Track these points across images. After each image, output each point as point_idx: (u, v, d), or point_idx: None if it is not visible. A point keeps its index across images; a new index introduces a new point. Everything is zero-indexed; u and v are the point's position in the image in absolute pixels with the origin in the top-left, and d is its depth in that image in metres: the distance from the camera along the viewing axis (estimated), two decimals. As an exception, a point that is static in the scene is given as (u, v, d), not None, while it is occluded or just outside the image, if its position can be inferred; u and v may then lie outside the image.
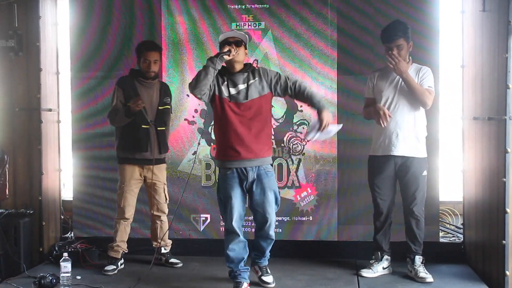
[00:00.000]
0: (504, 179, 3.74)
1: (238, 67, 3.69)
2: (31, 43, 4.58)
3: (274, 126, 4.56)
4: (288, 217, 4.69)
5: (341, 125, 3.86)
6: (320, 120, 3.59)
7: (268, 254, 3.97)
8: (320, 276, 4.12)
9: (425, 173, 4.01)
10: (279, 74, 3.76)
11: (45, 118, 4.64)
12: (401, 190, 4.08)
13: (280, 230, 4.66)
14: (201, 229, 4.77)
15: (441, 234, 4.67)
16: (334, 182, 4.64)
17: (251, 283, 3.82)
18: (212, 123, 4.69)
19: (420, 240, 4.03)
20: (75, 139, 4.85)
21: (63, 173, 4.93)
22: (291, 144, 4.67)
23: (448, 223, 4.89)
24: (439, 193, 4.52)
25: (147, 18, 4.77)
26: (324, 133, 3.64)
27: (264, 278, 3.89)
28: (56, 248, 4.51)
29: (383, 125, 3.95)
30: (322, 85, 4.63)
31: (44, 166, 4.62)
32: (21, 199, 4.63)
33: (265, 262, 3.97)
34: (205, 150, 4.77)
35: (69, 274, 3.85)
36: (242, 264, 3.78)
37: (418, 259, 4.02)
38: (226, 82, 3.67)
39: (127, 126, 4.18)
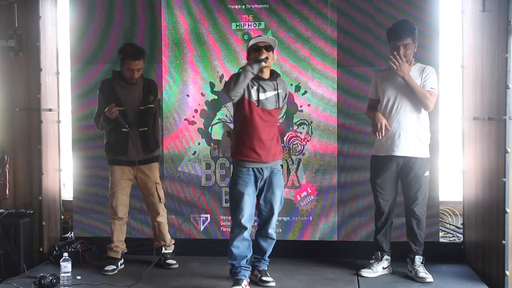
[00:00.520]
0: (504, 179, 3.74)
1: (267, 72, 3.83)
2: (31, 43, 4.58)
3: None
4: (288, 217, 4.69)
5: None
6: None
7: (267, 257, 3.99)
8: (320, 276, 4.12)
9: (427, 173, 4.01)
10: (288, 97, 4.03)
11: (45, 118, 4.65)
12: (403, 190, 4.08)
13: (280, 230, 4.66)
14: (201, 229, 4.77)
15: (441, 234, 4.67)
16: (334, 182, 4.64)
17: (251, 285, 3.84)
18: (213, 122, 4.74)
19: (420, 240, 4.03)
20: (75, 139, 4.85)
21: (63, 173, 4.93)
22: (291, 144, 4.67)
23: (448, 223, 4.89)
24: (439, 193, 4.52)
25: (148, 17, 4.76)
26: None
27: (264, 278, 3.91)
28: (56, 248, 4.51)
29: (378, 137, 3.98)
30: (322, 84, 4.63)
31: (44, 166, 4.62)
32: (21, 199, 4.63)
33: (264, 266, 3.98)
34: (205, 150, 4.77)
35: (69, 274, 3.85)
36: (244, 261, 3.81)
37: (418, 259, 4.02)
38: (256, 87, 3.77)
39: (111, 129, 4.20)
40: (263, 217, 3.90)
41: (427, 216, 4.14)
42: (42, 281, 3.81)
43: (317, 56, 4.63)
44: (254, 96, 3.76)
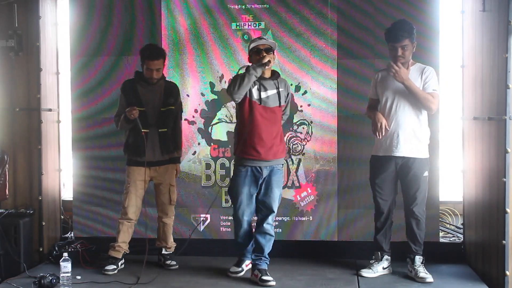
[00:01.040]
0: (504, 179, 3.74)
1: (268, 73, 3.98)
2: (31, 43, 4.58)
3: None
4: (288, 217, 4.69)
5: None
6: None
7: (267, 255, 4.02)
8: (320, 276, 4.12)
9: (426, 173, 4.00)
10: (290, 96, 4.11)
11: (45, 118, 4.64)
12: (402, 191, 4.08)
13: (280, 230, 4.66)
14: (201, 229, 4.76)
15: (441, 234, 4.67)
16: (334, 182, 4.64)
17: (251, 285, 3.90)
18: (213, 122, 4.74)
19: (420, 240, 4.03)
20: (75, 139, 4.85)
21: (63, 173, 4.93)
22: (291, 144, 4.67)
23: (448, 223, 4.89)
24: (439, 193, 4.52)
25: (148, 18, 4.76)
26: None
27: (263, 277, 3.92)
28: (56, 248, 4.51)
29: (378, 137, 3.98)
30: (322, 84, 4.63)
31: (44, 166, 4.62)
32: (21, 199, 4.63)
33: (264, 265, 4.00)
34: (205, 150, 4.77)
35: (69, 274, 3.85)
36: (248, 247, 4.11)
37: (418, 259, 4.02)
38: (257, 86, 3.92)
39: (130, 130, 4.22)
40: (261, 214, 4.02)
41: (427, 216, 4.14)
42: (42, 281, 3.81)
43: (317, 56, 4.63)
44: (255, 95, 3.90)
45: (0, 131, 4.63)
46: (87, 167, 4.83)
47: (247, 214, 4.01)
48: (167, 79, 4.40)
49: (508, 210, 3.74)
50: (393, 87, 3.98)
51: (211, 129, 4.76)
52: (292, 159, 4.68)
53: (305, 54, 4.63)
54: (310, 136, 4.66)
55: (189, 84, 4.76)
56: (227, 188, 4.44)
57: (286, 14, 4.63)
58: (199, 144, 4.76)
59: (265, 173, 3.94)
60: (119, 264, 4.27)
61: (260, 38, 4.05)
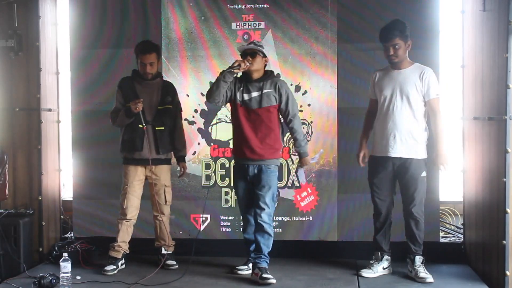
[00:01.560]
0: (504, 179, 3.74)
1: (256, 75, 4.02)
2: (31, 43, 4.58)
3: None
4: (288, 217, 4.69)
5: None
6: (300, 166, 4.21)
7: (266, 254, 4.03)
8: (320, 276, 4.12)
9: (424, 174, 3.99)
10: (288, 96, 4.03)
11: (45, 118, 4.64)
12: (400, 191, 4.07)
13: (280, 230, 4.66)
14: (201, 229, 4.76)
15: (441, 234, 4.67)
16: (334, 182, 4.64)
17: (251, 284, 3.93)
18: (213, 122, 4.75)
19: (419, 241, 4.03)
20: (75, 139, 4.85)
21: (63, 173, 4.93)
22: (291, 144, 4.66)
23: (448, 223, 4.89)
24: (439, 193, 4.52)
25: (146, 17, 4.76)
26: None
27: (264, 275, 3.93)
28: (56, 248, 4.50)
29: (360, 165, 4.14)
30: (322, 84, 4.63)
31: (44, 166, 4.62)
32: (21, 199, 4.63)
33: (264, 264, 4.01)
34: (205, 150, 4.76)
35: (69, 274, 3.85)
36: (254, 245, 4.10)
37: (418, 259, 4.02)
38: (242, 88, 4.01)
39: (126, 126, 4.22)
40: (254, 211, 4.07)
41: (427, 216, 4.14)
42: (42, 281, 3.81)
43: (317, 56, 4.62)
44: (239, 98, 4.02)
45: (0, 131, 4.63)
46: (87, 167, 4.83)
47: (247, 210, 4.14)
48: (164, 79, 4.40)
49: (508, 210, 3.73)
50: (391, 87, 3.98)
51: (211, 129, 4.76)
52: (292, 159, 4.68)
53: (305, 53, 4.63)
54: (310, 136, 4.65)
55: (189, 84, 4.76)
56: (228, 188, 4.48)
57: (286, 14, 4.63)
58: (199, 144, 4.75)
59: (251, 170, 4.03)
60: (119, 264, 4.27)
61: (250, 42, 4.07)
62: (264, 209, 3.99)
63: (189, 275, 4.16)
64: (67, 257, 3.86)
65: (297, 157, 4.63)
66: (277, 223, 4.60)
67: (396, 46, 3.91)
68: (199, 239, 4.68)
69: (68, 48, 4.85)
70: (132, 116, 4.13)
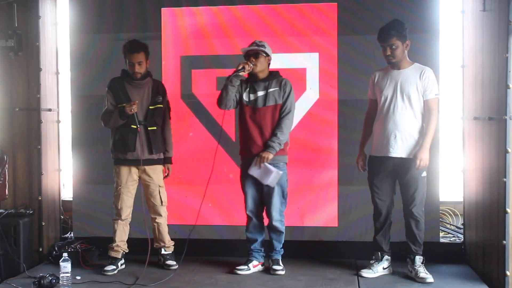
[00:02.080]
0: (504, 179, 3.74)
1: (261, 75, 4.11)
2: (30, 43, 4.58)
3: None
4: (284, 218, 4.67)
5: (281, 172, 4.05)
6: (259, 155, 4.02)
7: (279, 248, 4.20)
8: (320, 276, 4.12)
9: (424, 174, 3.99)
10: (289, 94, 4.09)
11: (45, 118, 4.64)
12: (400, 191, 4.07)
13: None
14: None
15: (441, 234, 4.67)
16: (335, 182, 4.63)
17: (263, 273, 4.17)
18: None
19: (420, 241, 4.02)
20: (75, 139, 4.85)
21: (63, 173, 4.93)
22: (291, 144, 4.66)
23: (448, 223, 4.88)
24: (439, 193, 4.52)
25: (146, 17, 4.76)
26: (263, 173, 4.01)
27: (274, 266, 4.14)
28: (56, 248, 4.51)
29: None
30: (323, 84, 4.63)
31: (44, 166, 4.62)
32: (20, 199, 4.63)
33: (276, 255, 4.20)
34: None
35: (69, 274, 3.85)
36: (256, 245, 4.22)
37: (418, 259, 4.01)
38: (248, 88, 4.11)
39: (118, 127, 4.20)
40: (266, 209, 4.18)
41: (427, 216, 4.14)
42: (42, 281, 3.81)
43: (318, 55, 4.62)
44: (245, 98, 4.11)
45: (0, 131, 4.63)
46: (87, 167, 4.83)
47: (252, 209, 4.17)
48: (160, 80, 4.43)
49: (508, 210, 3.73)
50: (391, 87, 3.98)
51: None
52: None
53: (305, 53, 4.63)
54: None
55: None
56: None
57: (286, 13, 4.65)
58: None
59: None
60: (119, 264, 4.27)
61: (252, 43, 4.09)
62: (275, 207, 4.10)
63: (189, 275, 4.16)
64: (67, 257, 3.86)
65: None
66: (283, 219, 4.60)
67: (393, 46, 3.91)
68: (199, 239, 4.69)
69: (68, 48, 4.85)
70: (126, 117, 4.13)
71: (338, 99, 4.61)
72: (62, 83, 4.89)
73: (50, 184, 4.73)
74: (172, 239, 4.43)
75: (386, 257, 4.13)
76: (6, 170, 4.33)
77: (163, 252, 4.38)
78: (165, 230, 4.37)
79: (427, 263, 4.04)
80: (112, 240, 4.30)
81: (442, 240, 4.64)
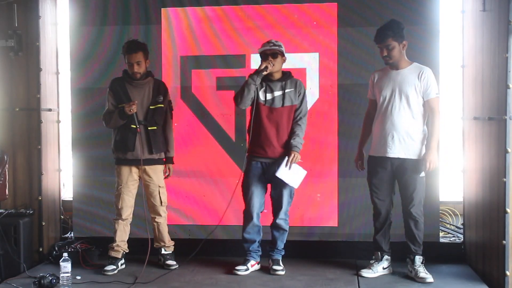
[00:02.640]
0: (504, 179, 3.74)
1: (277, 75, 4.12)
2: (30, 43, 4.58)
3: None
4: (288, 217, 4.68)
5: (305, 172, 4.08)
6: (288, 155, 4.01)
7: (281, 248, 4.20)
8: (320, 276, 4.12)
9: (422, 174, 3.99)
10: (304, 96, 4.15)
11: (45, 118, 4.64)
12: (399, 191, 4.07)
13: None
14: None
15: (441, 234, 4.67)
16: (335, 182, 4.63)
17: (262, 272, 4.17)
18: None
19: (419, 241, 4.02)
20: (75, 139, 4.85)
21: (63, 173, 4.93)
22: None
23: (448, 223, 4.88)
24: (439, 193, 4.52)
25: (146, 17, 4.76)
26: (292, 174, 4.00)
27: (274, 267, 4.13)
28: (56, 248, 4.51)
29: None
30: (323, 85, 4.63)
31: (44, 166, 4.62)
32: (20, 199, 4.62)
33: (277, 256, 4.20)
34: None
35: (69, 274, 3.85)
36: (254, 245, 4.21)
37: (418, 259, 4.01)
38: (264, 88, 4.09)
39: (118, 127, 4.21)
40: (274, 207, 4.18)
41: (427, 216, 4.14)
42: (42, 281, 3.81)
43: (318, 55, 4.62)
44: (261, 97, 4.09)
45: (0, 131, 4.63)
46: (87, 167, 4.83)
47: (257, 209, 4.15)
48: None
49: (508, 210, 3.73)
50: (390, 87, 3.98)
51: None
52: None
53: (305, 54, 4.63)
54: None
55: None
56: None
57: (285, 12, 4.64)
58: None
59: (271, 169, 4.07)
60: (119, 264, 4.27)
61: (269, 42, 4.10)
62: (282, 206, 4.13)
63: (189, 275, 4.16)
64: (67, 257, 3.86)
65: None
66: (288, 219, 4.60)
67: (389, 47, 3.90)
68: (199, 239, 4.69)
69: (68, 48, 4.85)
70: (126, 117, 4.14)
71: (338, 100, 4.61)
72: (62, 83, 4.89)
73: (50, 184, 4.73)
74: (172, 239, 4.43)
75: (386, 257, 4.13)
76: (6, 170, 4.33)
77: (163, 252, 4.38)
78: (164, 230, 4.37)
79: (427, 263, 4.05)
80: (112, 240, 4.30)
81: (442, 240, 4.64)
